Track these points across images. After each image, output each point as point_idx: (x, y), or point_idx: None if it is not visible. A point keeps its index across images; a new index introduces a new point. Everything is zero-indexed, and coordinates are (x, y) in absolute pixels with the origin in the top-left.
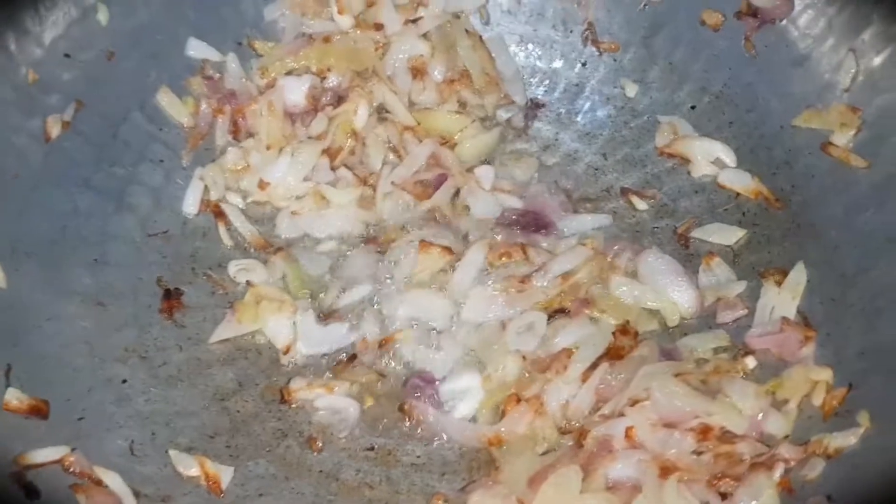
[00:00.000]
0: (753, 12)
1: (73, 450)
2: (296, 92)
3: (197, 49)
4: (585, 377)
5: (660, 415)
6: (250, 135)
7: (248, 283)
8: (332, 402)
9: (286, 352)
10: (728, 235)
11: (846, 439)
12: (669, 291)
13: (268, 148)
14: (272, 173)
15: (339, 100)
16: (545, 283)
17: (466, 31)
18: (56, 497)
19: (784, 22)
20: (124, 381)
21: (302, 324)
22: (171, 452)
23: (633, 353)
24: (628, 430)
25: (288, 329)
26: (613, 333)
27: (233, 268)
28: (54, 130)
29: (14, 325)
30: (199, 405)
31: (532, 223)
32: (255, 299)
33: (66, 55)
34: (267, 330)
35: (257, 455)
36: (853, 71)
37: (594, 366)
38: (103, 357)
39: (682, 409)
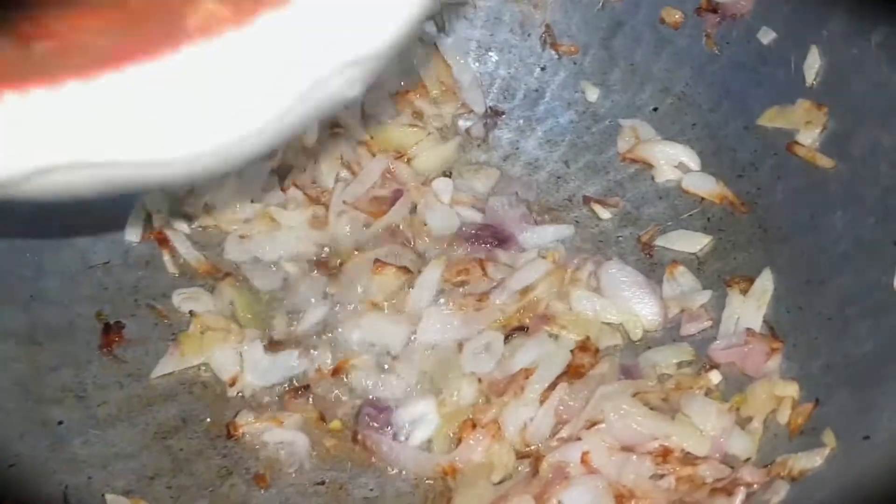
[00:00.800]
0: (713, 8)
1: (2, 500)
2: None
3: None
4: (544, 398)
5: (616, 438)
6: None
7: (191, 312)
8: (281, 436)
9: (232, 384)
10: (692, 243)
11: (811, 460)
12: (632, 304)
13: None
14: (218, 196)
15: None
16: (503, 300)
17: (420, 39)
18: None
19: (745, 16)
20: (60, 423)
21: (249, 354)
22: (108, 497)
23: (593, 370)
24: (584, 455)
25: (234, 360)
26: (572, 351)
27: (177, 297)
28: None
29: None
30: (140, 445)
31: (492, 237)
32: (200, 330)
33: None
34: (212, 362)
35: (199, 496)
36: (817, 66)
37: (553, 385)
38: (38, 399)
39: (639, 432)
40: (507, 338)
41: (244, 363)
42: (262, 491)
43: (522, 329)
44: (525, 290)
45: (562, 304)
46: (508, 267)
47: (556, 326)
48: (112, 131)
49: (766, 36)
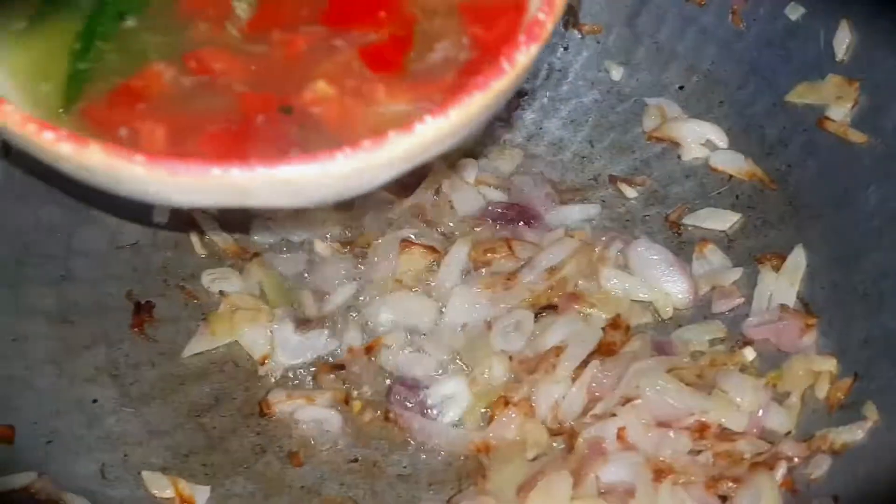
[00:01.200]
0: None
1: (40, 475)
2: None
3: None
4: (576, 376)
5: (652, 414)
6: None
7: (221, 293)
8: (314, 414)
9: (263, 363)
10: (722, 220)
11: (853, 434)
12: (662, 282)
13: None
14: None
15: None
16: (531, 279)
17: None
18: None
19: None
20: (94, 402)
21: (279, 333)
22: (144, 474)
23: (625, 348)
24: (620, 430)
25: (265, 339)
26: (604, 328)
27: (206, 278)
28: None
29: None
30: (173, 423)
31: (518, 216)
32: (230, 309)
33: None
34: (243, 341)
35: (234, 473)
36: (848, 41)
37: (584, 363)
38: (72, 377)
39: (675, 407)
40: (536, 316)
41: (274, 342)
42: (296, 468)
43: (552, 308)
44: (553, 269)
45: (591, 283)
46: (535, 246)
47: (586, 305)
48: None
49: (795, 11)
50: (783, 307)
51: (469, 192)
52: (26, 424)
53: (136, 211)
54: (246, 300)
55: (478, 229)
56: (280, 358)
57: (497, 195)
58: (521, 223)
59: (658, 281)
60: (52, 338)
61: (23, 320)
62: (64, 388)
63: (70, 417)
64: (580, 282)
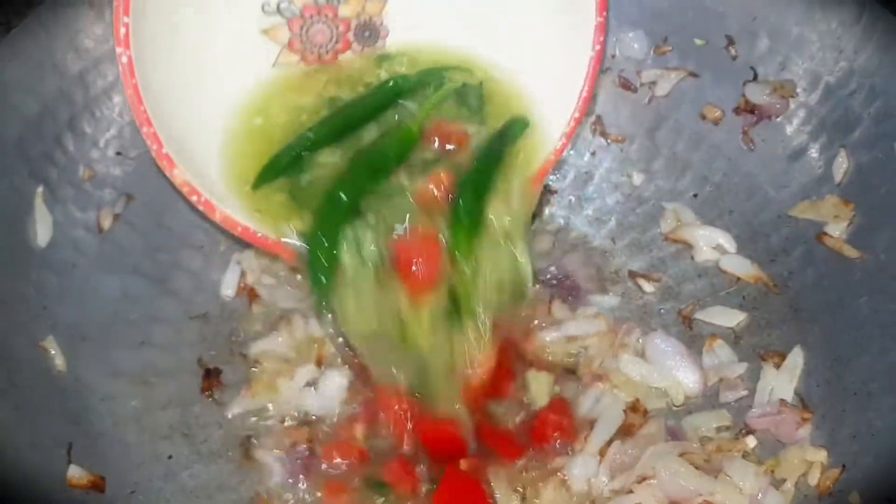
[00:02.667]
0: (751, 109)
1: None
2: None
3: None
4: (602, 452)
5: (666, 493)
6: None
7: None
8: None
9: None
10: (729, 318)
11: None
12: (675, 372)
13: None
14: None
15: None
16: (552, 339)
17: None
18: None
19: (780, 119)
20: (170, 457)
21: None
22: None
23: (642, 430)
24: None
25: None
26: (625, 411)
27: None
28: (106, 222)
29: (73, 405)
30: (239, 479)
31: (564, 285)
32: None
33: (118, 153)
34: (279, 399)
35: None
36: (845, 167)
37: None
38: (151, 434)
39: (686, 488)
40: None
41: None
42: None
43: (572, 372)
44: (574, 338)
45: (613, 365)
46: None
47: (610, 385)
48: None
49: (798, 137)
50: (782, 401)
51: None
52: (114, 476)
53: (207, 283)
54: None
55: None
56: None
57: (543, 264)
58: (565, 292)
59: (672, 371)
60: (135, 397)
61: (110, 381)
62: (144, 444)
63: (150, 471)
64: (605, 362)
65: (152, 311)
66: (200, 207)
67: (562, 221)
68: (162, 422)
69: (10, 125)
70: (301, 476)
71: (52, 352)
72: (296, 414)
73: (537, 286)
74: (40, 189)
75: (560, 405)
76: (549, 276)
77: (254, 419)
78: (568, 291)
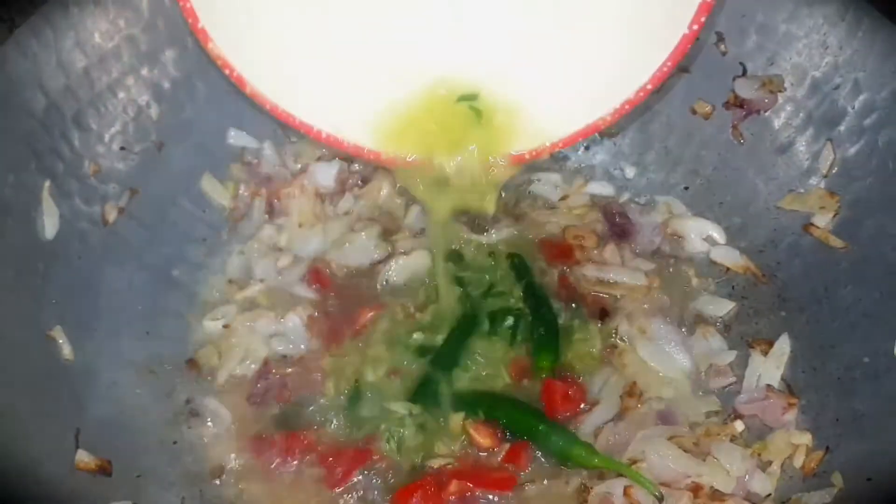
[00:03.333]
0: (740, 103)
1: None
2: (326, 175)
3: (237, 138)
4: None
5: (655, 475)
6: (284, 215)
7: None
8: None
9: None
10: (719, 308)
11: (822, 498)
12: (672, 357)
13: (300, 226)
14: (304, 249)
15: (364, 179)
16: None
17: None
18: None
19: (768, 113)
20: (174, 443)
21: None
22: None
23: (635, 413)
24: (627, 489)
25: None
26: (621, 396)
27: None
28: (111, 216)
29: (81, 393)
30: (240, 462)
31: (621, 224)
32: None
33: (122, 148)
34: None
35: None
36: (831, 159)
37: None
38: (156, 421)
39: (675, 470)
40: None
41: None
42: None
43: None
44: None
45: (628, 345)
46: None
47: (618, 362)
48: None
49: (786, 130)
50: (769, 387)
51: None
52: (120, 460)
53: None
54: None
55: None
56: None
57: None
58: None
59: (670, 355)
60: (140, 386)
61: (117, 370)
62: (150, 431)
63: (155, 456)
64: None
65: (157, 302)
66: (233, 80)
67: None
68: (166, 409)
69: (17, 121)
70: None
71: (60, 341)
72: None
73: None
74: (47, 183)
75: (566, 376)
76: (613, 211)
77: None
78: (624, 231)
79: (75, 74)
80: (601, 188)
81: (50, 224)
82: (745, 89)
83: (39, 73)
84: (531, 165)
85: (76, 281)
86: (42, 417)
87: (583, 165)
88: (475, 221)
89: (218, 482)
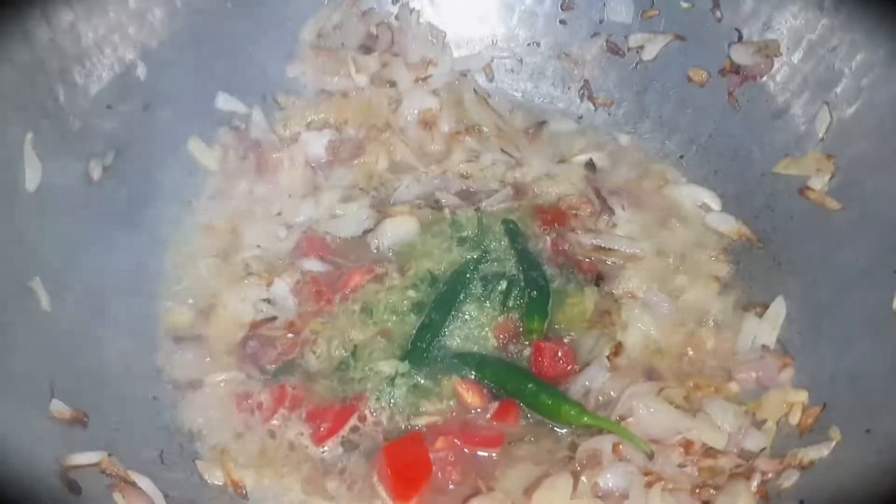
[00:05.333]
0: (736, 70)
1: (109, 455)
2: (316, 145)
3: (225, 102)
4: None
5: (644, 431)
6: (273, 182)
7: None
8: None
9: None
10: (715, 272)
11: (819, 452)
12: (665, 322)
13: (289, 197)
14: (296, 217)
15: (356, 151)
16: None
17: (474, 89)
18: (96, 494)
19: (764, 78)
20: (154, 398)
21: None
22: (199, 463)
23: (623, 372)
24: (615, 445)
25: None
26: (608, 357)
27: None
28: (96, 173)
29: (58, 344)
30: (224, 412)
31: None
32: None
33: (108, 106)
34: None
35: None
36: (828, 122)
37: None
38: (137, 376)
39: (664, 426)
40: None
41: None
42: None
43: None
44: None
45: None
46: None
47: (615, 319)
48: None
49: (782, 95)
50: (765, 348)
51: None
52: (98, 413)
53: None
54: None
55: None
56: None
57: None
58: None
59: (661, 321)
60: (121, 342)
61: (97, 326)
62: (129, 385)
63: (134, 410)
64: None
65: (141, 261)
66: None
67: None
68: (148, 365)
69: (1, 74)
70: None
71: (39, 292)
72: None
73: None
74: (30, 136)
75: (556, 339)
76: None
77: None
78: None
79: (61, 28)
80: (593, 157)
81: (32, 176)
82: (741, 55)
83: (23, 25)
84: None
85: (58, 236)
86: (16, 365)
87: (578, 134)
88: (469, 191)
89: (199, 438)
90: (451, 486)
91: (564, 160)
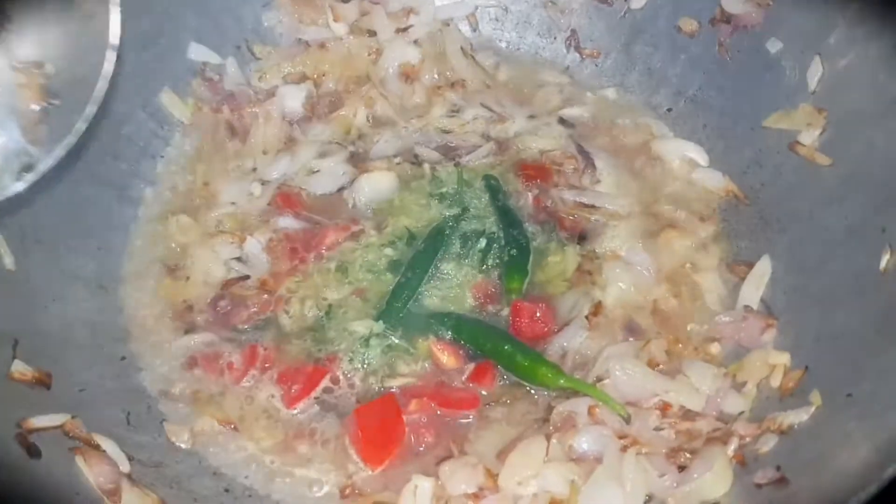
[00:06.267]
0: (727, 19)
1: (73, 417)
2: (293, 100)
3: (198, 53)
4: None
5: (621, 393)
6: (248, 137)
7: None
8: None
9: None
10: (699, 230)
11: (798, 416)
12: (647, 281)
13: (264, 153)
14: (270, 173)
15: (334, 104)
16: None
17: (461, 47)
18: (56, 458)
19: (756, 28)
20: (123, 359)
21: None
22: (166, 425)
23: (600, 330)
24: (591, 408)
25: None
26: (587, 317)
27: None
28: None
29: (22, 304)
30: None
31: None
32: None
33: None
34: None
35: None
36: (819, 74)
37: None
38: (104, 336)
39: (641, 388)
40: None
41: None
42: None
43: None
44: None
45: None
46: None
47: (593, 281)
48: None
49: (774, 46)
50: (747, 308)
51: None
52: (62, 374)
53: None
54: None
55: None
56: None
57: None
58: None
59: (644, 280)
60: (89, 301)
61: (64, 284)
62: (97, 345)
63: (101, 371)
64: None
65: (111, 218)
66: None
67: None
68: (116, 325)
69: None
70: None
71: (2, 250)
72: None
73: None
74: None
75: (535, 298)
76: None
77: None
78: (589, 163)
79: None
80: (577, 111)
81: None
82: (733, 3)
83: None
84: None
85: (23, 192)
86: None
87: (564, 86)
88: (449, 146)
89: (167, 398)
90: (422, 449)
91: (548, 114)
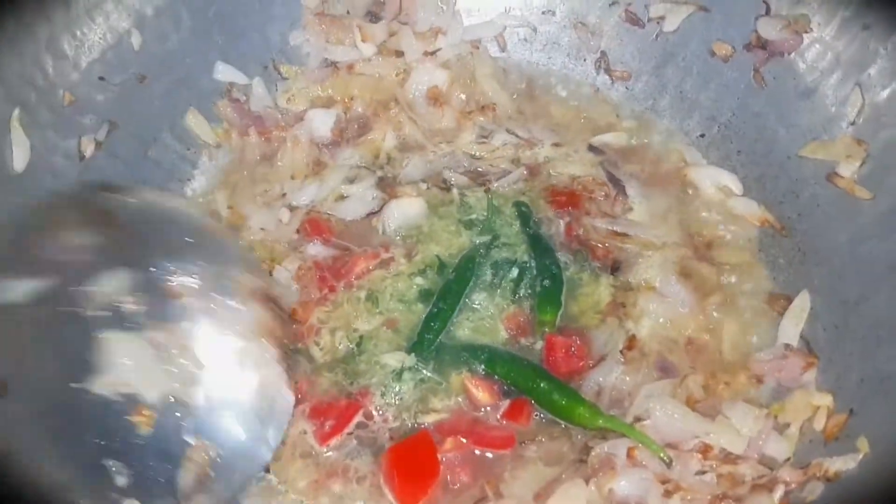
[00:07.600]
0: (763, 45)
1: None
2: (322, 124)
3: (224, 73)
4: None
5: (661, 434)
6: (276, 160)
7: None
8: None
9: None
10: (736, 261)
11: (846, 464)
12: (682, 313)
13: (292, 178)
14: (300, 199)
15: (362, 128)
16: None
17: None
18: None
19: (793, 55)
20: None
21: None
22: None
23: (635, 366)
24: (630, 450)
25: None
26: (622, 351)
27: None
28: (88, 150)
29: None
30: None
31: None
32: None
33: (101, 78)
34: None
35: None
36: (859, 104)
37: None
38: None
39: (681, 429)
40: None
41: None
42: None
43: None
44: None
45: (637, 303)
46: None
47: (625, 315)
48: None
49: (811, 74)
50: (787, 346)
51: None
52: None
53: None
54: None
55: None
56: None
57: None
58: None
59: (679, 312)
60: None
61: None
62: None
63: None
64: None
65: None
66: None
67: None
68: None
69: None
70: None
71: None
72: None
73: None
74: (16, 112)
75: (569, 332)
76: (612, 172)
77: None
78: (620, 190)
79: None
80: (608, 138)
81: (20, 155)
82: (769, 29)
83: None
84: None
85: None
86: None
87: (594, 110)
88: (478, 171)
89: None
90: (457, 486)
91: (578, 139)
